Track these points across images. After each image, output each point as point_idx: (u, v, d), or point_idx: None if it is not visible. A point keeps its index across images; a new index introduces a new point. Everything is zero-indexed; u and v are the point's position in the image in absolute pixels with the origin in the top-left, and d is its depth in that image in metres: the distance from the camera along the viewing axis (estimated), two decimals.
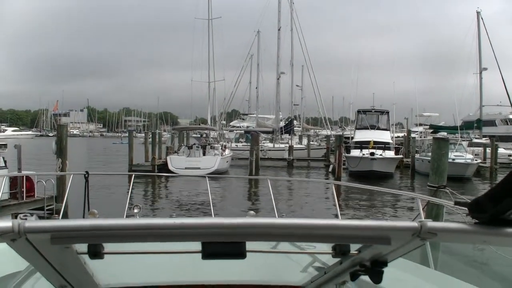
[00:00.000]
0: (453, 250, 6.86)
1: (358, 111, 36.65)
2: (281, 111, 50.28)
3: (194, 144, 34.08)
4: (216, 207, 14.71)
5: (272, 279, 2.15)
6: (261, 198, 19.23)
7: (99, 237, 1.06)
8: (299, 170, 35.95)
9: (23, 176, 12.56)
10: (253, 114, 59.01)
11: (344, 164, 28.64)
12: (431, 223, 1.07)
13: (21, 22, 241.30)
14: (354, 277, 1.38)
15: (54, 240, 1.01)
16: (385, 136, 32.49)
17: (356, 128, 35.66)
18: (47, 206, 12.83)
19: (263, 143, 41.95)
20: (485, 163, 33.31)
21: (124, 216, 3.81)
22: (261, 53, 54.15)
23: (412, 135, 42.73)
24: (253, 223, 1.07)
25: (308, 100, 63.16)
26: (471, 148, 33.71)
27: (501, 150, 35.72)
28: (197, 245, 1.13)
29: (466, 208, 1.08)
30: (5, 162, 12.92)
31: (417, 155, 33.07)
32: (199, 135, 41.59)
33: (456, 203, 1.25)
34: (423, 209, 5.27)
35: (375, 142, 29.89)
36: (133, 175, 6.49)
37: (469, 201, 1.08)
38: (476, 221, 1.08)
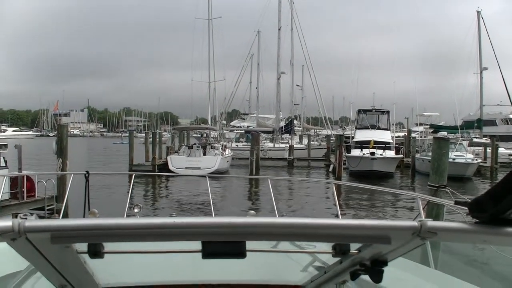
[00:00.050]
0: (453, 250, 6.86)
1: (359, 111, 36.66)
2: (281, 111, 50.36)
3: (195, 144, 34.08)
4: (217, 207, 14.71)
5: (272, 279, 2.15)
6: (261, 197, 19.23)
7: (99, 237, 1.06)
8: (300, 170, 35.94)
9: (23, 176, 12.56)
10: (254, 114, 58.99)
11: (344, 164, 28.66)
12: (431, 223, 1.07)
13: (21, 22, 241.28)
14: (354, 276, 1.38)
15: (54, 240, 1.01)
16: (385, 136, 32.49)
17: (357, 128, 35.66)
18: (47, 206, 12.83)
19: (264, 143, 41.93)
20: (485, 162, 33.31)
21: (125, 216, 3.81)
22: (261, 53, 54.21)
23: (413, 134, 42.75)
24: (253, 223, 1.07)
25: (309, 100, 63.20)
26: (472, 148, 33.71)
27: (501, 150, 35.72)
28: (197, 245, 1.13)
29: (466, 208, 1.08)
30: (5, 162, 12.92)
31: (417, 155, 33.09)
32: (200, 135, 41.57)
33: (456, 202, 1.24)
34: (423, 208, 5.27)
35: (375, 142, 29.90)
36: (134, 174, 6.49)
37: (469, 200, 1.08)
38: (476, 220, 1.08)
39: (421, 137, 44.19)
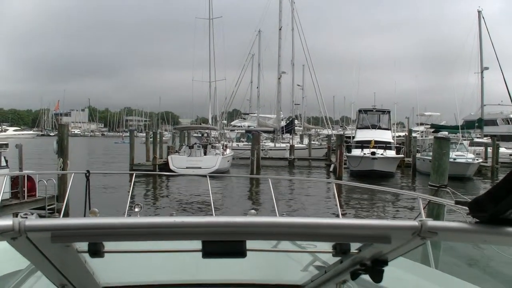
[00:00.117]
0: (453, 249, 6.86)
1: (359, 111, 36.66)
2: (282, 111, 50.36)
3: (195, 143, 34.08)
4: (217, 206, 14.73)
5: (273, 278, 2.15)
6: (262, 197, 19.24)
7: (99, 236, 1.06)
8: (300, 170, 35.95)
9: (24, 176, 12.57)
10: (254, 113, 59.03)
11: (345, 164, 28.67)
12: (431, 222, 1.07)
13: (21, 22, 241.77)
14: (354, 276, 1.38)
15: (54, 239, 1.01)
16: (386, 136, 32.48)
17: (357, 128, 35.65)
18: (48, 205, 12.84)
19: (264, 142, 41.99)
20: (486, 162, 33.29)
21: (125, 215, 3.81)
22: (262, 52, 54.29)
23: (413, 134, 42.70)
24: (253, 222, 1.07)
25: (309, 99, 63.24)
26: (472, 148, 33.67)
27: (502, 150, 35.68)
28: (197, 244, 1.13)
29: (467, 208, 1.08)
30: (6, 161, 12.93)
31: (418, 155, 33.08)
32: (200, 135, 41.58)
33: (457, 202, 1.24)
34: (424, 208, 5.27)
35: (376, 142, 29.90)
36: (134, 174, 6.48)
37: (470, 200, 1.08)
38: (477, 220, 1.08)
39: (421, 136, 44.19)
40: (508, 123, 48.15)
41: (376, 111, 36.35)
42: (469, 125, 43.84)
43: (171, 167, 27.25)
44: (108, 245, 1.14)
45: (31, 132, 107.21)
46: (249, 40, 53.37)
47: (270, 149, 40.16)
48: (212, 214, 4.98)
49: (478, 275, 6.71)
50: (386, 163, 28.66)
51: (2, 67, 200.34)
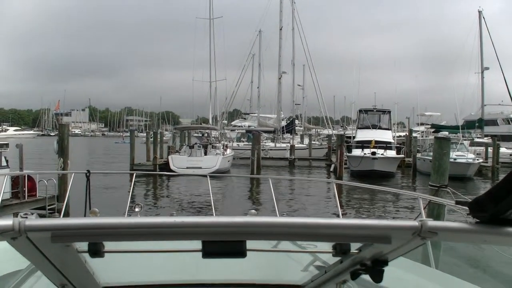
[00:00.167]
0: (454, 249, 6.86)
1: (360, 111, 36.65)
2: (282, 111, 50.32)
3: (196, 143, 34.08)
4: (217, 206, 14.73)
5: (273, 278, 2.15)
6: (262, 197, 19.23)
7: (99, 236, 1.06)
8: (301, 170, 35.94)
9: (24, 176, 12.57)
10: (255, 113, 59.01)
11: (345, 164, 28.65)
12: (431, 222, 1.07)
13: (22, 21, 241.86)
14: (354, 276, 1.38)
15: (54, 239, 1.01)
16: (386, 136, 32.49)
17: (358, 128, 35.66)
18: (49, 205, 12.84)
19: (265, 142, 41.99)
20: (486, 162, 33.26)
21: (125, 215, 3.81)
22: (262, 52, 54.35)
23: (414, 134, 42.68)
24: (254, 222, 1.06)
25: (310, 99, 63.31)
26: (473, 148, 33.65)
27: (502, 150, 35.64)
28: (197, 244, 1.13)
29: (467, 208, 1.08)
30: (7, 161, 12.94)
31: (418, 155, 33.06)
32: (201, 135, 41.57)
33: (457, 202, 1.24)
34: (424, 208, 5.27)
35: (376, 142, 29.91)
36: (134, 174, 6.48)
37: (470, 200, 1.08)
38: (477, 220, 1.08)
39: (422, 136, 44.17)
40: (509, 123, 48.11)
41: (376, 111, 36.35)
42: (469, 125, 43.81)
43: (172, 167, 27.24)
44: (108, 245, 1.14)
45: (31, 132, 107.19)
46: (250, 40, 53.48)
47: (270, 149, 40.15)
48: (212, 214, 4.98)
49: (479, 275, 6.71)
50: (387, 163, 28.66)
51: (3, 67, 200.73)
